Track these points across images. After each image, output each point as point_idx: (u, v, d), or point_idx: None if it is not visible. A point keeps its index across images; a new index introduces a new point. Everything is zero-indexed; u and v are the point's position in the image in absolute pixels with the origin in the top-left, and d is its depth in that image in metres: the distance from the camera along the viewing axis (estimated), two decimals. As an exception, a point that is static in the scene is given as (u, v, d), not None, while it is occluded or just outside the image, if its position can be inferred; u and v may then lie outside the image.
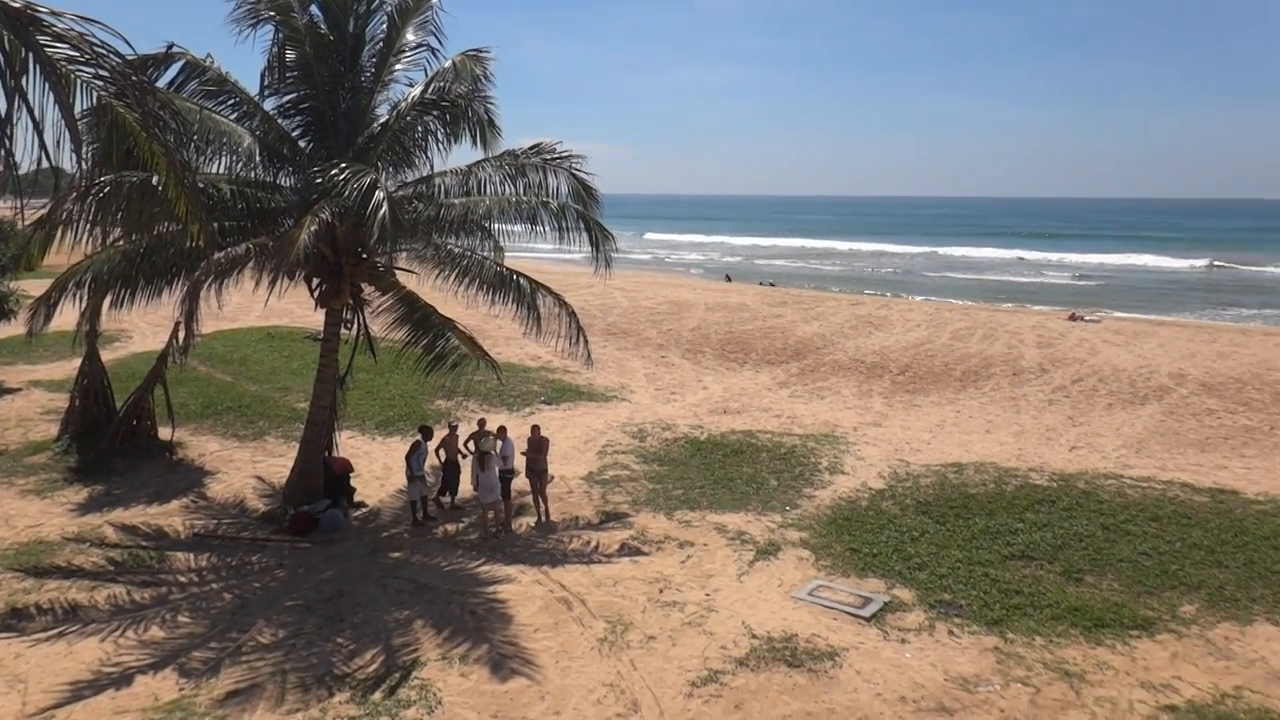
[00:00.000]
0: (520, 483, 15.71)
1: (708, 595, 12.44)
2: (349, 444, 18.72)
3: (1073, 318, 40.86)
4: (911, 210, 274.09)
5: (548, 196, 14.58)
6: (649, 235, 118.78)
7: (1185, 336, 36.07)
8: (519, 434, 16.22)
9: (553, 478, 16.42)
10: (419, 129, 14.87)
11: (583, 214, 14.69)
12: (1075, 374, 27.89)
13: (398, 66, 15.03)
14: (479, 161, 15.01)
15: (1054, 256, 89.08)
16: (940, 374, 27.97)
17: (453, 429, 16.10)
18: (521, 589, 12.61)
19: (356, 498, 16.06)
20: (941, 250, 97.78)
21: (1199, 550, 13.64)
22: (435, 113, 14.73)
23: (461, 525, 15.17)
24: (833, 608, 12.04)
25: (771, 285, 59.19)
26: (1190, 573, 12.96)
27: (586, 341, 15.18)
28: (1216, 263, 78.90)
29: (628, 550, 13.97)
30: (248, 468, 17.76)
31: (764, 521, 15.11)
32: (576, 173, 14.76)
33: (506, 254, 15.48)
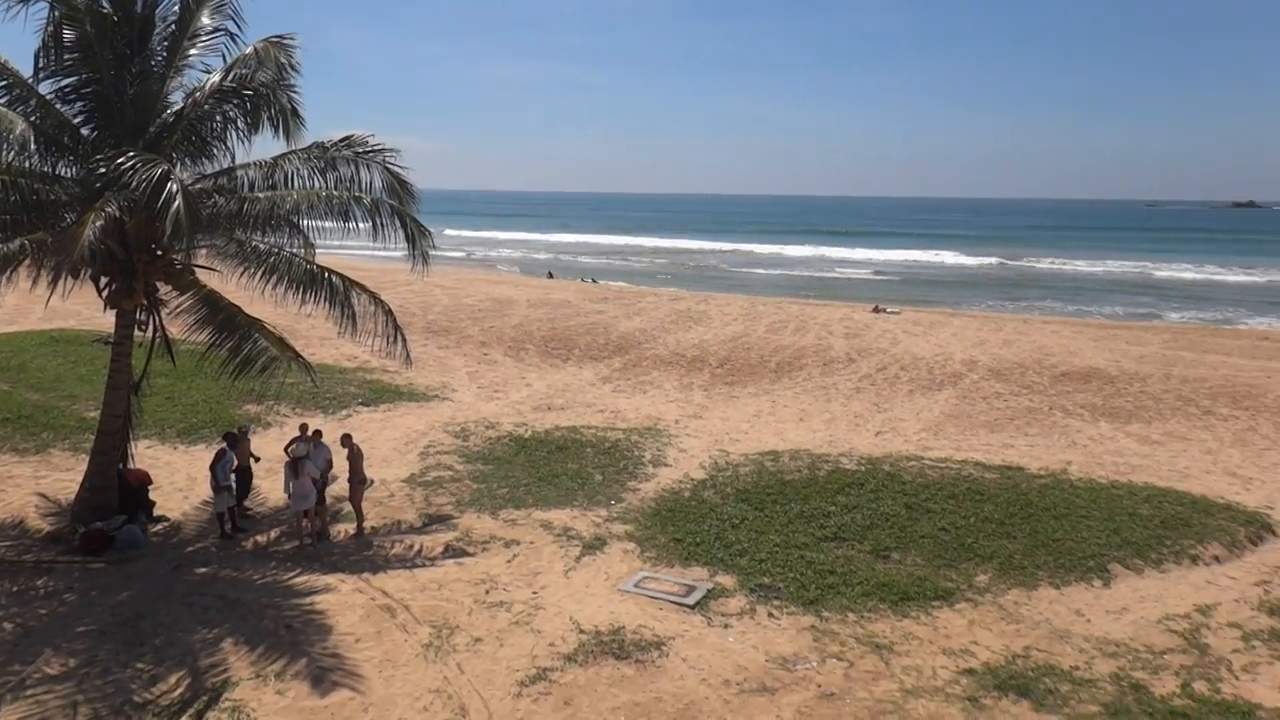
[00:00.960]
0: (340, 489, 15.14)
1: (535, 593, 12.38)
2: (147, 454, 17.42)
3: (876, 310, 43.32)
4: (723, 208, 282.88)
5: (360, 191, 14.02)
6: (469, 233, 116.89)
7: (975, 326, 38.96)
8: (334, 439, 15.58)
9: (372, 482, 15.89)
10: (217, 118, 13.96)
11: (398, 209, 14.24)
12: (880, 363, 29.59)
13: (192, 51, 14.06)
14: (285, 154, 14.25)
15: (857, 253, 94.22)
16: (757, 366, 28.99)
17: (243, 433, 15.46)
18: (341, 598, 12.13)
19: (157, 511, 14.96)
20: (747, 247, 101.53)
21: (990, 523, 14.74)
22: (235, 101, 13.85)
23: (274, 535, 14.43)
24: (658, 598, 12.24)
25: (594, 281, 59.61)
26: (983, 544, 13.99)
27: (405, 340, 14.74)
28: (1004, 259, 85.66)
29: (452, 552, 13.70)
30: (29, 484, 16.21)
31: (590, 516, 15.19)
32: (390, 166, 14.28)
33: (322, 251, 14.81)
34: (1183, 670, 10.54)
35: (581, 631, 11.27)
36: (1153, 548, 13.92)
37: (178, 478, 16.74)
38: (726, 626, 11.52)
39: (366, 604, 11.98)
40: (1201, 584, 12.97)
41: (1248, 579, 13.08)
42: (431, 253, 14.77)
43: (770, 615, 11.81)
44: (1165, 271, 75.76)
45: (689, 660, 10.66)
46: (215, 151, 14.17)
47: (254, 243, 14.06)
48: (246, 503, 15.29)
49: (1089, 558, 13.54)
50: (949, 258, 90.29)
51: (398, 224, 14.16)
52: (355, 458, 14.65)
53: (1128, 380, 27.22)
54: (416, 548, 13.90)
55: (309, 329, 29.88)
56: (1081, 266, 79.84)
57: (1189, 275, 73.20)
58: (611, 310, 40.96)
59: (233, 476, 14.45)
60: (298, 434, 14.80)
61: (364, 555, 13.64)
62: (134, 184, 11.56)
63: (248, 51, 14.04)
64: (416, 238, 14.34)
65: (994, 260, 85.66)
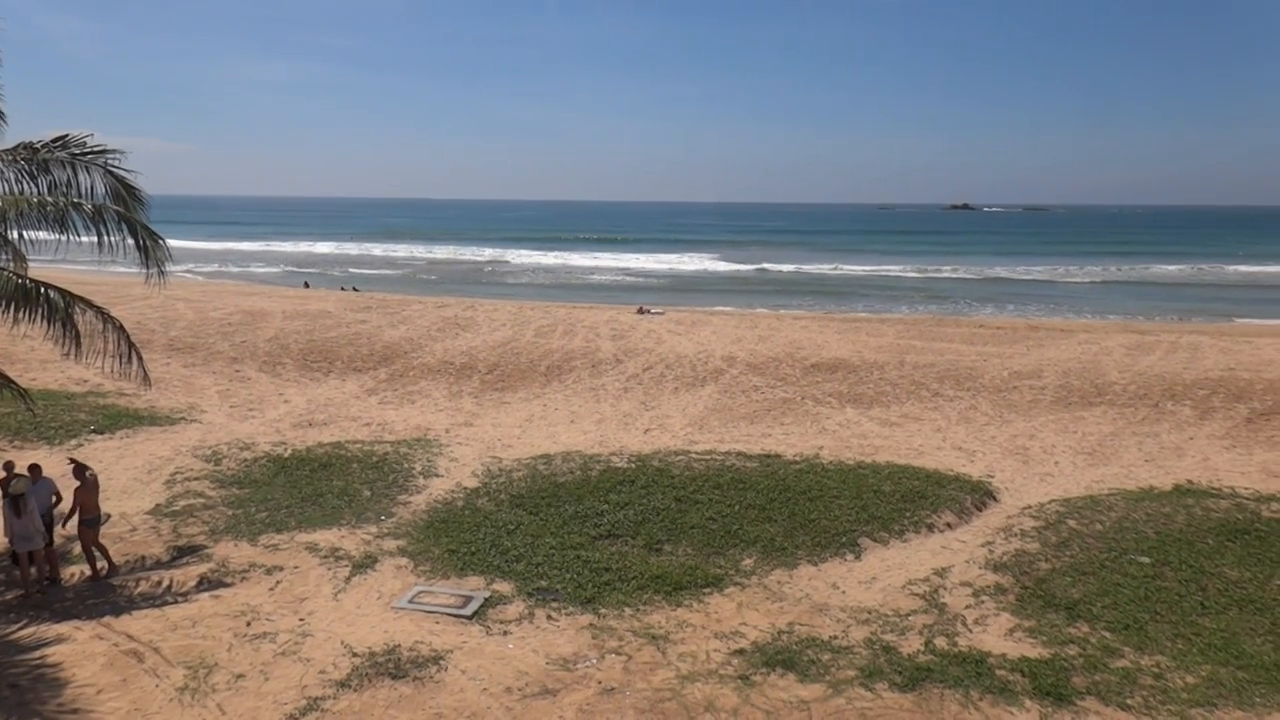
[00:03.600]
0: (70, 529, 13.65)
1: (302, 620, 11.71)
2: None
3: (641, 311, 44.50)
4: (489, 213, 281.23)
5: (79, 197, 12.71)
6: (221, 245, 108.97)
7: (733, 324, 40.90)
8: (61, 473, 14.03)
9: (108, 516, 14.46)
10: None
11: (125, 216, 13.01)
12: (646, 362, 30.40)
13: None
14: (-14, 156, 12.69)
15: (623, 259, 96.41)
16: (527, 370, 28.98)
17: None
18: (78, 648, 10.94)
19: None
20: (511, 254, 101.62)
21: (753, 510, 15.50)
22: (-83, 96, 12.18)
23: (-9, 585, 12.80)
24: (434, 611, 11.94)
25: (355, 290, 57.37)
26: (748, 530, 14.69)
27: (141, 359, 13.51)
28: (765, 265, 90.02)
29: (207, 585, 12.70)
30: None
31: (359, 534, 14.58)
32: (114, 170, 13.01)
33: (45, 266, 13.26)
34: (925, 629, 11.55)
35: (354, 655, 10.79)
36: (895, 520, 15.16)
37: None
38: (505, 634, 11.41)
39: (109, 651, 10.87)
40: (938, 549, 14.28)
41: (975, 541, 14.54)
42: (172, 266, 13.64)
43: (549, 618, 11.83)
44: (894, 270, 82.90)
45: (468, 672, 10.47)
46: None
47: (-51, 256, 12.39)
48: None
49: (842, 534, 14.55)
50: (709, 264, 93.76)
51: (125, 231, 12.96)
52: (89, 490, 13.24)
53: (869, 369, 29.51)
54: (166, 584, 12.78)
55: (27, 351, 26.81)
56: (825, 269, 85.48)
57: (911, 275, 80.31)
58: (375, 319, 39.57)
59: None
60: (1, 474, 13.12)
61: (104, 598, 12.37)
62: None
63: (-72, 40, 12.37)
64: (149, 247, 13.16)
65: (749, 267, 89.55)
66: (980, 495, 16.59)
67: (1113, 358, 31.64)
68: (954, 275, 78.65)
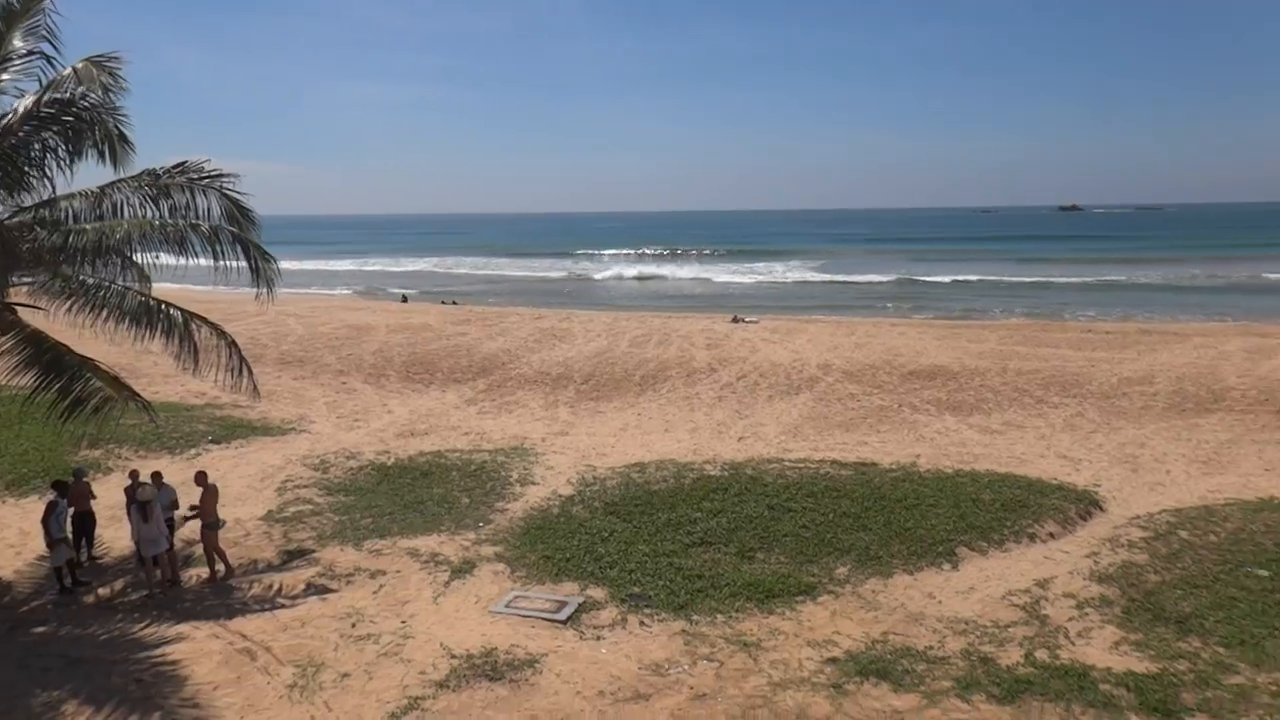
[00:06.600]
0: (190, 531, 14.45)
1: (403, 623, 12.13)
2: (-30, 510, 16.17)
3: (735, 320, 44.40)
4: (577, 226, 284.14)
5: (197, 219, 13.47)
6: (320, 264, 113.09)
7: (829, 331, 40.43)
8: (182, 480, 14.85)
9: (224, 523, 15.20)
10: (35, 145, 13.12)
11: (239, 236, 13.74)
12: (740, 371, 30.34)
13: (4, 76, 13.23)
14: (114, 182, 13.54)
15: (714, 269, 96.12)
16: (621, 380, 29.26)
17: (78, 477, 14.58)
18: (196, 646, 11.58)
19: (-16, 571, 13.92)
20: (603, 265, 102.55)
21: (847, 518, 15.33)
22: (55, 127, 13.04)
23: (119, 586, 13.63)
24: (530, 616, 12.20)
25: (454, 304, 58.84)
26: (842, 539, 14.55)
27: (251, 372, 14.20)
28: (859, 275, 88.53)
29: (315, 589, 13.27)
30: None
31: (458, 540, 15.00)
32: (228, 192, 13.77)
33: (166, 285, 14.10)
34: (1025, 641, 11.25)
35: (453, 656, 11.12)
36: (995, 529, 14.79)
37: (8, 533, 15.62)
38: (599, 638, 11.59)
39: (224, 649, 11.47)
40: (1039, 559, 13.88)
41: (1079, 552, 14.07)
42: (280, 285, 14.34)
43: (642, 624, 11.95)
44: (1000, 275, 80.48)
45: (563, 675, 10.67)
46: (32, 181, 13.32)
47: (82, 277, 13.29)
48: (92, 552, 14.41)
49: (938, 543, 14.28)
50: (801, 272, 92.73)
51: (239, 251, 13.67)
52: (209, 497, 13.99)
53: (969, 375, 28.82)
54: (276, 586, 13.40)
55: (150, 366, 28.37)
56: (934, 275, 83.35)
57: (1021, 278, 77.81)
58: (474, 331, 40.54)
59: (69, 527, 13.60)
60: (129, 482, 14.00)
61: (220, 600, 13.06)
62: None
63: (65, 73, 13.31)
64: (261, 265, 13.87)
65: (842, 277, 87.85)
66: (1085, 505, 16.04)
67: (1231, 362, 30.13)
68: (1061, 279, 75.96)
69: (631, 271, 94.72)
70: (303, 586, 13.35)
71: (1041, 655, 10.84)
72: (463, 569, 13.81)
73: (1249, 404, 24.06)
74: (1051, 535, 14.81)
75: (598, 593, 12.88)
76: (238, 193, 13.80)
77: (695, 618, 12.05)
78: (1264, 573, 12.66)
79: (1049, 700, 9.83)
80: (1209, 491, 16.82)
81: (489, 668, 10.82)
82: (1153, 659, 10.68)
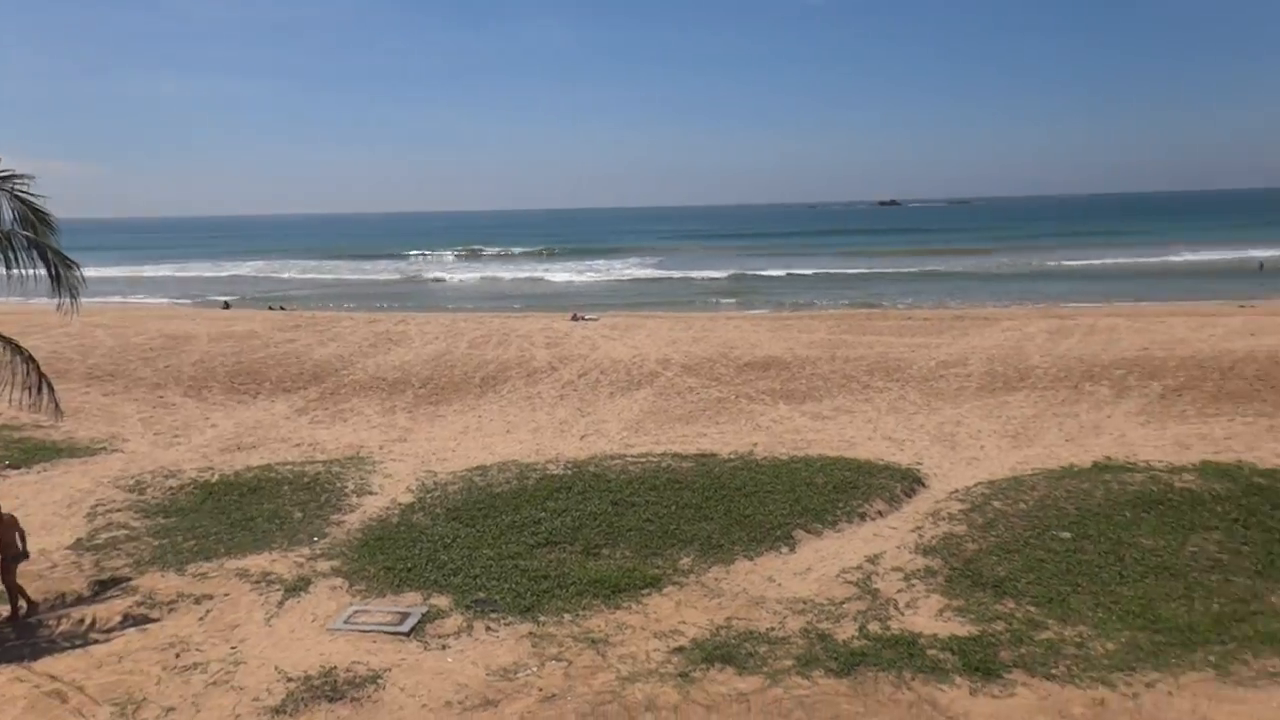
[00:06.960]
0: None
1: (234, 648, 11.49)
2: None
3: (574, 318, 44.47)
4: (414, 225, 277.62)
5: (-16, 224, 12.37)
6: (131, 271, 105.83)
7: (668, 326, 41.10)
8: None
9: (27, 555, 13.97)
10: None
11: (35, 241, 12.72)
12: (581, 369, 30.40)
13: None
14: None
15: (552, 267, 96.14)
16: (461, 382, 28.76)
17: None
18: (-5, 692, 10.59)
19: None
20: (442, 266, 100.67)
21: (689, 509, 15.61)
22: None
23: (-97, 633, 12.30)
24: (371, 630, 11.81)
25: (282, 309, 56.32)
26: (685, 529, 14.80)
27: (52, 390, 13.13)
28: (695, 271, 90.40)
29: (133, 619, 12.38)
30: None
31: (291, 557, 14.34)
32: (22, 194, 12.73)
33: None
34: (859, 615, 11.78)
35: (289, 680, 10.62)
36: (828, 511, 15.42)
37: None
38: (444, 648, 11.34)
39: (30, 694, 10.52)
40: (870, 537, 14.57)
41: (905, 527, 14.87)
42: (85, 294, 13.39)
43: (488, 629, 11.78)
44: (827, 267, 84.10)
45: (407, 689, 10.38)
46: None
47: None
48: None
49: (776, 528, 14.75)
50: (637, 269, 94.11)
51: (36, 258, 12.65)
52: (6, 528, 12.80)
53: (801, 365, 29.92)
54: (89, 620, 12.42)
55: (-65, 389, 25.79)
56: (768, 270, 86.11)
57: (847, 270, 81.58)
58: (304, 338, 38.89)
59: None
60: None
61: (23, 639, 11.97)
62: None
63: None
64: (62, 272, 12.93)
65: (679, 273, 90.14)
66: (910, 482, 16.95)
67: (1034, 343, 32.58)
68: (883, 270, 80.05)
69: (469, 272, 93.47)
70: (119, 618, 12.44)
71: (874, 627, 11.38)
72: (297, 587, 13.21)
73: (1050, 381, 26.08)
74: (880, 513, 15.57)
75: (442, 601, 12.60)
76: (32, 194, 12.78)
77: (542, 619, 11.98)
78: (1067, 535, 13.75)
79: (882, 670, 10.33)
80: (1018, 463, 18.11)
81: (328, 688, 10.39)
82: (973, 622, 11.40)
